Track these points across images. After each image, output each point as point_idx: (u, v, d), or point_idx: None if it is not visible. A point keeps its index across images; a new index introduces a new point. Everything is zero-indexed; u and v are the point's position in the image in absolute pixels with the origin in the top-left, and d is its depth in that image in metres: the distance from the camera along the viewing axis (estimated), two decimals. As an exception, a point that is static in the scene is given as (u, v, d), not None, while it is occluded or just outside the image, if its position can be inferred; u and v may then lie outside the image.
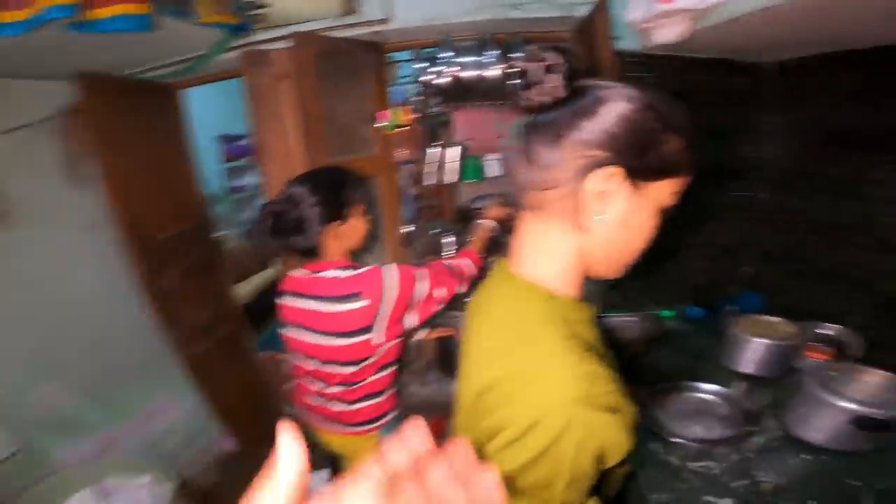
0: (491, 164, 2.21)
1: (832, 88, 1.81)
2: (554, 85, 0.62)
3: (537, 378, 0.58)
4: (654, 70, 2.03)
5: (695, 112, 1.90)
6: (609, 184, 0.60)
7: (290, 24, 1.83)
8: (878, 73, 1.62)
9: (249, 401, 2.64)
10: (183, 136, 2.30)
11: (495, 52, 1.84)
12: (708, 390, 1.51)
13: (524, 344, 0.62)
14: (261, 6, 1.84)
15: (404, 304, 1.27)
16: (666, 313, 2.07)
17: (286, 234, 1.29)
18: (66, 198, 1.96)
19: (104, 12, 1.24)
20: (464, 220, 2.17)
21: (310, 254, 1.33)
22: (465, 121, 2.29)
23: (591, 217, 0.62)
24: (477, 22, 1.82)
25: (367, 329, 1.26)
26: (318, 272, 1.32)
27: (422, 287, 1.30)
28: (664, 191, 0.63)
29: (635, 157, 0.60)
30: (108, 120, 1.85)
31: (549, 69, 0.62)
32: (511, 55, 1.86)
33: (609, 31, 1.66)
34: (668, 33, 1.68)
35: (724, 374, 1.59)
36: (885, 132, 1.63)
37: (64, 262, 1.95)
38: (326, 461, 1.57)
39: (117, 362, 2.14)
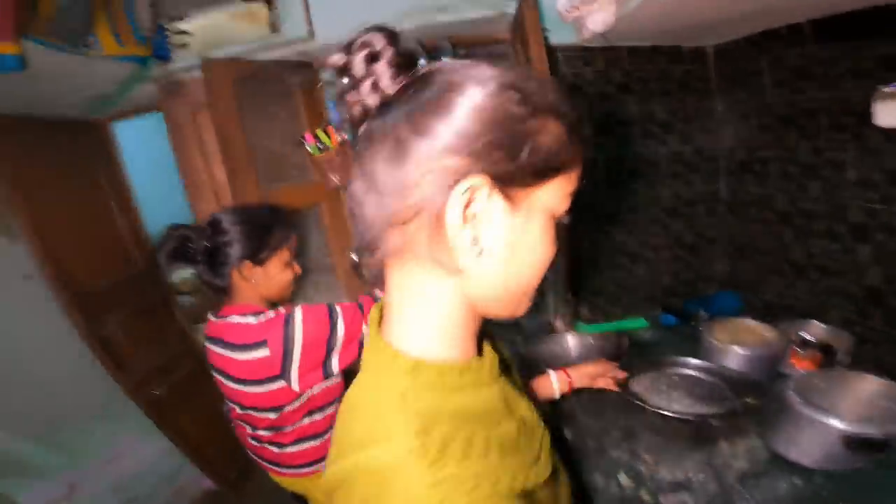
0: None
1: (775, 68, 1.71)
2: (379, 78, 0.47)
3: (380, 493, 0.44)
4: (593, 63, 1.94)
5: (644, 103, 1.82)
6: (476, 201, 0.44)
7: (212, 51, 1.73)
8: (820, 48, 1.52)
9: (221, 439, 2.53)
10: (117, 176, 2.20)
11: (423, 62, 1.72)
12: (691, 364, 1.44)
13: (370, 442, 0.47)
14: (180, 33, 1.75)
15: (317, 349, 1.16)
16: (636, 323, 1.93)
17: (190, 261, 1.18)
18: (-4, 249, 1.86)
19: None
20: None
21: (220, 292, 1.24)
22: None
23: (463, 252, 0.45)
24: (403, 30, 1.71)
25: (277, 377, 1.16)
26: (225, 317, 1.22)
27: (340, 328, 1.18)
28: (553, 194, 0.48)
29: (502, 157, 0.44)
30: (23, 164, 1.75)
31: (372, 58, 0.47)
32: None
33: (538, 24, 1.56)
34: (596, 20, 1.58)
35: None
36: (839, 109, 1.52)
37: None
38: (293, 499, 1.47)
39: (70, 407, 2.10)
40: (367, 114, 0.48)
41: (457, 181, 0.43)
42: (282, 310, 1.20)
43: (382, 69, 0.47)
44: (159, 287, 2.46)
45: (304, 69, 1.87)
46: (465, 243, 0.45)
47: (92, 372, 2.09)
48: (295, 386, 1.17)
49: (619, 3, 1.51)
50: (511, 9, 1.68)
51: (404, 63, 0.48)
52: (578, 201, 0.51)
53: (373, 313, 0.57)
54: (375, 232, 0.49)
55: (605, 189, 2.01)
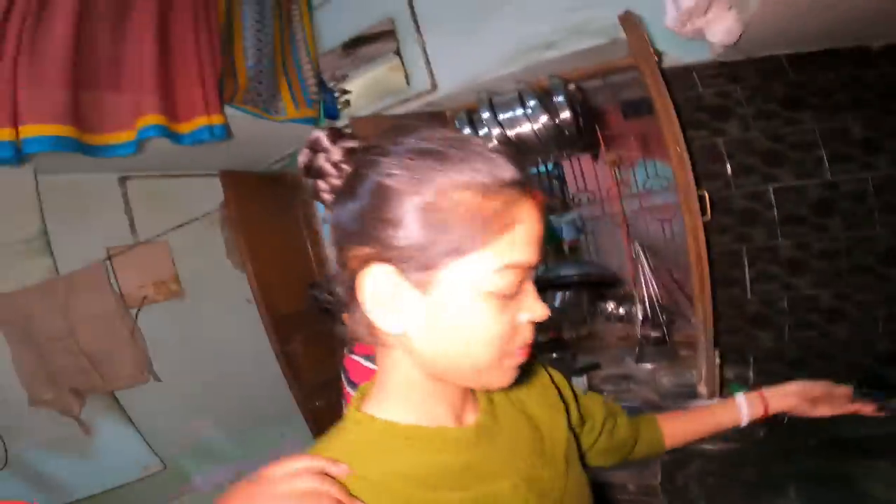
0: (565, 228, 2.01)
1: None
2: (326, 175, 0.53)
3: None
4: (743, 78, 1.63)
5: (828, 120, 1.46)
6: (382, 285, 0.46)
7: (362, 109, 2.10)
8: None
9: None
10: (310, 217, 2.75)
11: (534, 102, 1.74)
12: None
13: None
14: (343, 93, 2.17)
15: None
16: None
17: (332, 313, 1.31)
18: (227, 278, 2.51)
19: (187, 126, 1.62)
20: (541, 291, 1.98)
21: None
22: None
23: (388, 332, 0.48)
24: (515, 73, 1.78)
25: None
26: (352, 353, 1.27)
27: None
28: (471, 271, 0.45)
29: (402, 243, 0.44)
30: (245, 210, 2.36)
31: (323, 151, 0.53)
32: (556, 99, 1.74)
33: (646, 45, 1.43)
34: (716, 32, 1.37)
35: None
36: None
37: (223, 329, 2.47)
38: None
39: (256, 409, 2.57)
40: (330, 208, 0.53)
41: (364, 269, 0.46)
42: None
43: (328, 167, 0.52)
44: (335, 317, 2.88)
45: (437, 120, 2.08)
46: (385, 325, 0.47)
47: (276, 381, 2.50)
48: None
49: (739, 6, 1.29)
50: (619, 34, 1.58)
51: (346, 158, 0.52)
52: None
53: (357, 394, 0.59)
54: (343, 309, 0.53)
55: (779, 228, 1.60)
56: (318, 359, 2.65)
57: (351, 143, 0.53)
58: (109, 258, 2.06)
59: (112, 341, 2.01)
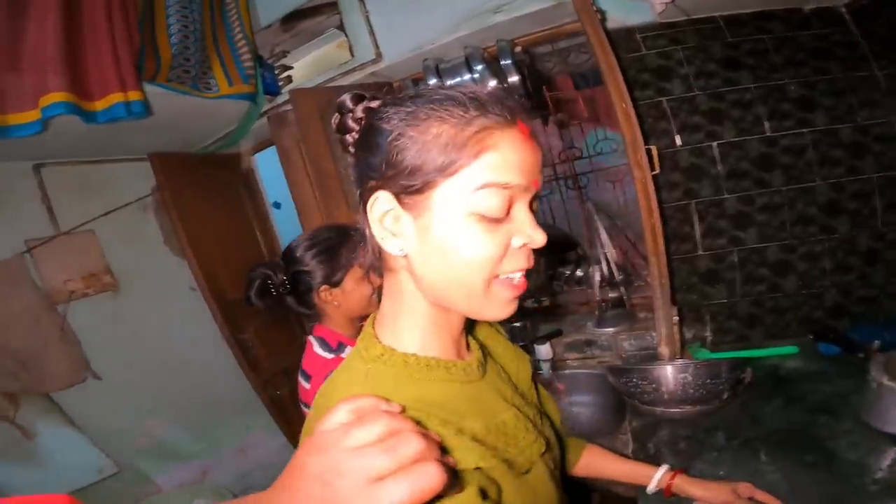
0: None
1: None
2: (350, 130, 0.59)
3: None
4: (684, 40, 1.60)
5: (765, 79, 1.42)
6: (385, 212, 0.52)
7: (305, 82, 1.95)
8: None
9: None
10: (257, 201, 2.57)
11: (481, 66, 1.64)
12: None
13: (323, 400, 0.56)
14: (285, 69, 2.01)
15: None
16: (781, 350, 1.44)
17: (276, 297, 1.21)
18: (166, 266, 2.31)
19: (101, 104, 1.44)
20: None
21: (312, 318, 1.25)
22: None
23: (391, 254, 0.54)
24: (462, 37, 1.67)
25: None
26: (313, 335, 1.22)
27: None
28: (455, 193, 0.49)
29: (393, 173, 0.51)
30: (181, 193, 2.16)
31: (349, 112, 0.59)
32: (503, 62, 1.65)
33: (589, 5, 1.36)
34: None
35: (862, 436, 1.02)
36: None
37: (167, 321, 2.26)
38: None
39: (215, 402, 2.39)
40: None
41: (368, 196, 0.53)
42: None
43: (351, 124, 0.58)
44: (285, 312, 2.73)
45: (383, 89, 1.96)
46: (389, 247, 0.53)
47: (232, 372, 2.34)
48: None
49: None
50: (565, -1, 1.50)
51: (366, 115, 0.57)
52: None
53: (371, 315, 0.63)
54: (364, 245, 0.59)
55: (726, 184, 1.57)
56: (274, 346, 2.50)
57: (371, 104, 0.58)
58: (28, 251, 1.83)
59: (38, 340, 1.80)
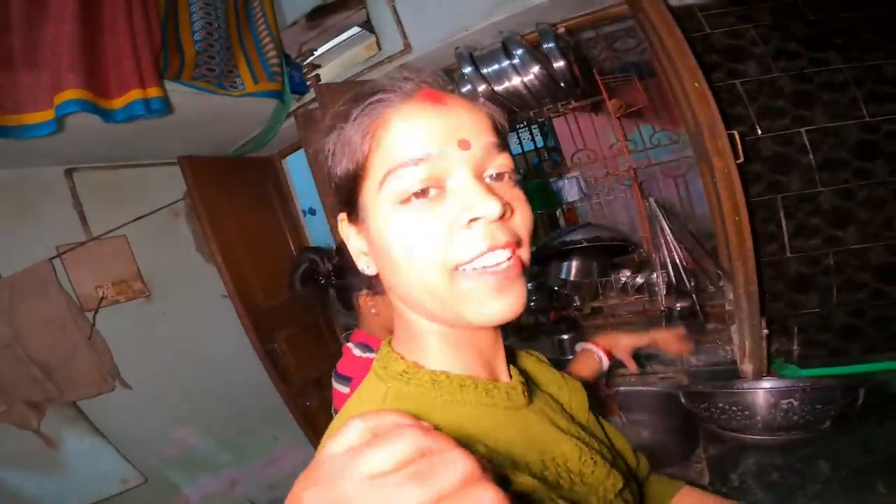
0: (568, 183, 1.71)
1: None
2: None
3: None
4: (756, 17, 1.38)
5: (858, 59, 1.21)
6: (346, 230, 0.50)
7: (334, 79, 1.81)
8: None
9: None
10: (288, 205, 2.45)
11: (521, 51, 1.45)
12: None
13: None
14: (313, 67, 1.89)
15: None
16: (885, 365, 1.18)
17: (318, 284, 1.12)
18: (197, 273, 2.21)
19: (119, 102, 1.34)
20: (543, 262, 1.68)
21: (350, 320, 1.16)
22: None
23: (364, 270, 0.51)
24: (497, 23, 1.49)
25: None
26: (350, 342, 1.11)
27: None
28: (369, 190, 0.44)
29: (333, 192, 0.50)
30: (211, 198, 2.05)
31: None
32: (547, 46, 1.46)
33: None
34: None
35: None
36: None
37: (197, 329, 2.17)
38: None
39: (245, 412, 2.28)
40: None
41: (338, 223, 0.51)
42: None
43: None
44: (324, 308, 2.61)
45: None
46: (362, 267, 0.51)
47: (262, 381, 2.24)
48: None
49: None
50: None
51: None
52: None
53: (387, 338, 0.55)
54: None
55: (819, 175, 1.32)
56: (304, 355, 2.38)
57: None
58: (59, 256, 1.75)
59: (66, 347, 1.72)
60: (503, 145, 0.45)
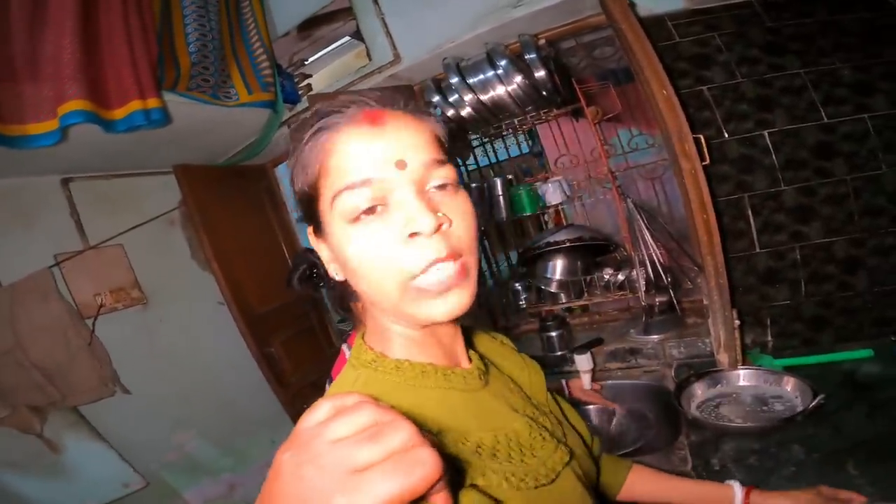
0: (552, 187, 1.77)
1: None
2: None
3: None
4: (720, 26, 1.45)
5: (814, 64, 1.31)
6: (313, 244, 0.55)
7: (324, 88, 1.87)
8: None
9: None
10: (281, 212, 2.50)
11: (504, 62, 1.52)
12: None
13: None
14: (304, 77, 1.95)
15: None
16: (859, 353, 1.25)
17: (316, 285, 1.13)
18: (193, 280, 2.25)
19: (120, 112, 1.38)
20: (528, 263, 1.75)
21: (348, 322, 1.19)
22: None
23: (335, 277, 0.54)
24: (481, 34, 1.56)
25: None
26: (346, 344, 1.16)
27: None
28: (324, 206, 0.49)
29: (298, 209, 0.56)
30: (206, 206, 2.10)
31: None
32: (529, 57, 1.53)
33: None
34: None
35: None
36: None
37: (195, 335, 2.20)
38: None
39: (244, 416, 2.32)
40: None
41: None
42: None
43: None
44: (318, 312, 2.65)
45: (405, 92, 1.86)
46: (332, 273, 0.54)
47: (260, 386, 2.28)
48: None
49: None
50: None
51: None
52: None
53: (357, 338, 0.59)
54: None
55: (780, 176, 1.40)
56: (301, 359, 2.43)
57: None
58: (57, 265, 1.78)
59: (67, 353, 1.75)
60: (443, 159, 0.48)
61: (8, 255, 1.72)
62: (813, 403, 0.98)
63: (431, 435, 0.32)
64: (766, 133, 1.38)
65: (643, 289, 1.40)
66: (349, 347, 1.12)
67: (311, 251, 1.20)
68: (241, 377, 2.28)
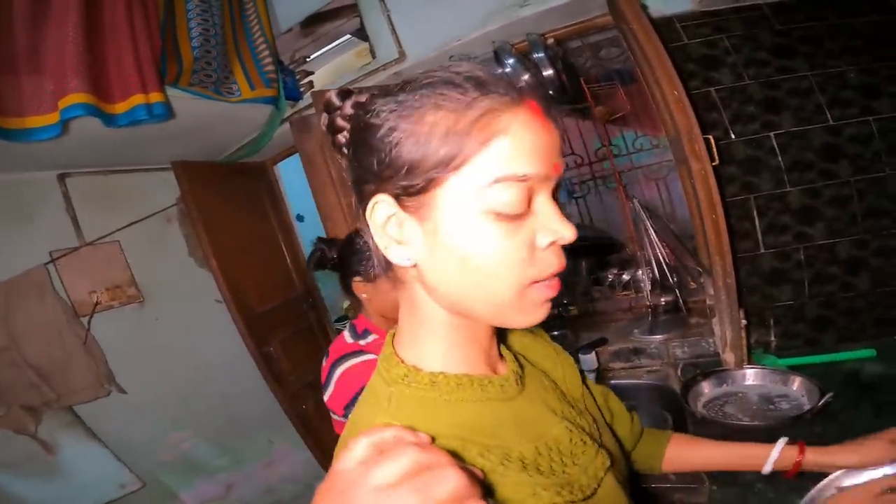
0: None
1: None
2: (341, 126, 0.49)
3: None
4: (729, 27, 1.47)
5: (822, 66, 1.33)
6: (387, 217, 0.44)
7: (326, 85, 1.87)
8: None
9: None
10: (280, 210, 2.49)
11: (513, 60, 1.53)
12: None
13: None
14: (306, 74, 1.94)
15: (338, 409, 1.07)
16: (862, 353, 1.27)
17: (326, 268, 1.24)
18: (191, 278, 2.24)
19: (122, 106, 1.37)
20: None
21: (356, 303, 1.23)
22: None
23: (399, 263, 0.45)
24: (489, 33, 1.57)
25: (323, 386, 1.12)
26: (351, 322, 1.20)
27: None
28: (462, 190, 0.41)
29: (390, 173, 0.43)
30: (205, 203, 2.08)
31: (336, 110, 0.50)
32: (536, 55, 1.54)
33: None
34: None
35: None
36: None
37: (192, 333, 2.19)
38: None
39: (241, 416, 2.31)
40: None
41: (366, 201, 0.45)
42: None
43: (341, 122, 0.49)
44: (317, 311, 2.65)
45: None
46: (394, 257, 0.45)
47: (257, 385, 2.27)
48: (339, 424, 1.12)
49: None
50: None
51: (356, 111, 0.48)
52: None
53: (390, 332, 0.55)
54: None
55: (788, 176, 1.41)
56: (299, 358, 2.42)
57: (360, 98, 0.49)
58: (52, 261, 1.76)
59: (62, 352, 1.74)
60: None
61: (3, 252, 1.71)
62: (822, 402, 1.00)
63: (477, 474, 0.31)
64: (772, 135, 1.40)
65: (648, 289, 1.41)
66: (350, 331, 1.16)
67: (324, 240, 1.23)
68: (237, 377, 2.27)
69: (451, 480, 0.27)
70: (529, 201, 0.42)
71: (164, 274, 2.13)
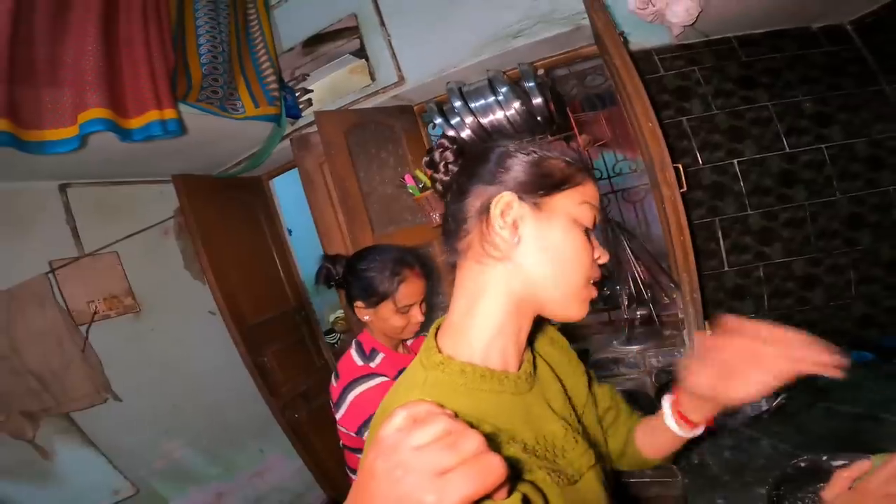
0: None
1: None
2: (446, 159, 0.68)
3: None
4: (700, 60, 1.65)
5: (780, 97, 1.46)
6: (509, 208, 0.60)
7: (325, 105, 1.99)
8: None
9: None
10: (275, 224, 2.59)
11: (505, 89, 1.68)
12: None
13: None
14: (305, 91, 2.05)
15: (352, 427, 1.13)
16: None
17: (329, 285, 1.31)
18: (186, 290, 2.32)
19: (137, 122, 1.46)
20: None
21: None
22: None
23: (506, 242, 0.60)
24: (483, 61, 1.72)
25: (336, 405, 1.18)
26: (356, 339, 1.27)
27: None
28: (568, 201, 0.61)
29: (522, 179, 0.61)
30: (203, 216, 2.17)
31: (443, 150, 0.69)
32: (527, 84, 1.69)
33: (611, 27, 1.39)
34: (676, 12, 1.36)
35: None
36: None
37: (187, 344, 2.27)
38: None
39: (232, 426, 2.39)
40: (445, 184, 0.69)
41: (495, 199, 0.61)
42: (401, 350, 1.26)
43: (447, 154, 0.69)
44: (309, 324, 2.73)
45: (406, 113, 1.99)
46: (506, 235, 0.59)
47: (249, 395, 2.35)
48: (347, 438, 1.19)
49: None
50: (584, 21, 1.55)
51: (459, 150, 0.69)
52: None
53: (437, 322, 0.68)
54: (451, 243, 0.66)
55: (749, 200, 1.58)
56: (292, 370, 2.52)
57: (463, 140, 0.72)
58: (52, 271, 1.83)
59: (61, 360, 1.80)
60: None
61: (4, 260, 1.77)
62: (776, 402, 1.15)
63: (491, 440, 0.40)
64: (735, 162, 1.58)
65: (625, 303, 1.56)
66: (356, 343, 1.23)
67: (329, 258, 1.32)
68: (230, 387, 2.35)
69: (474, 441, 0.36)
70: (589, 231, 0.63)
71: (160, 285, 2.21)
